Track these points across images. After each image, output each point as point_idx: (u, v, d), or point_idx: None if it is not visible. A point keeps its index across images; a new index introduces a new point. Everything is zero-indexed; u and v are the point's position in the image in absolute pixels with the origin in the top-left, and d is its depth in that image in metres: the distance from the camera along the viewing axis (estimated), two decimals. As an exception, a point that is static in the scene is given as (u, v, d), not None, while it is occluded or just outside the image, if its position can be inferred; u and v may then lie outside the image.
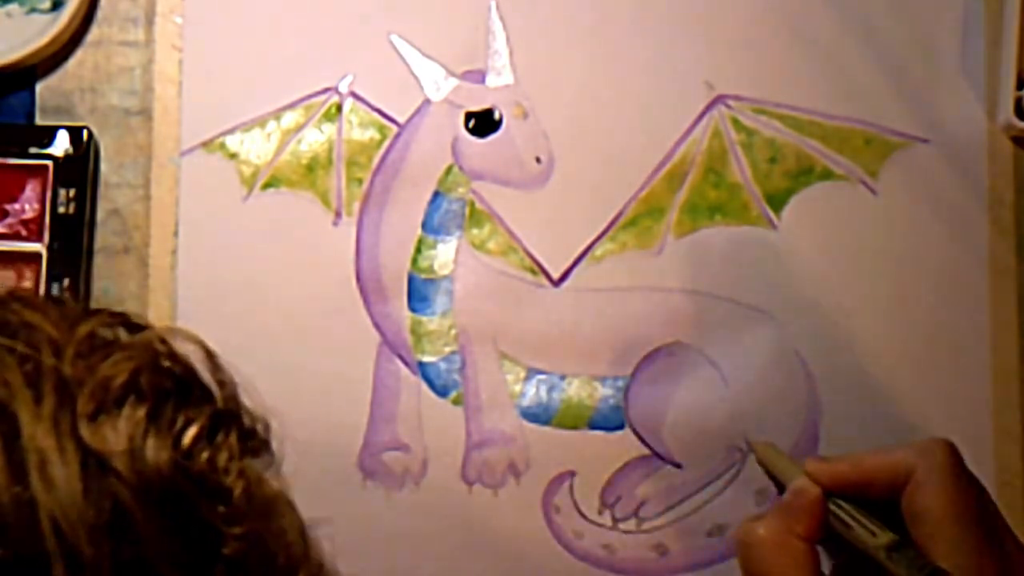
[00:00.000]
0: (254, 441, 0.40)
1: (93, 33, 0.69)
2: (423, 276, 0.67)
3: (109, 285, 0.67)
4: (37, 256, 0.66)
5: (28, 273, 0.67)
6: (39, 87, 0.69)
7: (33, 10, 0.69)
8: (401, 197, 0.68)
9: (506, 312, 0.67)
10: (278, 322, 0.67)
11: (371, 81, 0.68)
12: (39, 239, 0.67)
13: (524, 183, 0.68)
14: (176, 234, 0.68)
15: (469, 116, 0.68)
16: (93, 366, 0.38)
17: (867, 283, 0.67)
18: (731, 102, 0.68)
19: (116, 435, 0.36)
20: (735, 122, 0.68)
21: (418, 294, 0.67)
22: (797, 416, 0.67)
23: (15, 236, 0.67)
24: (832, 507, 0.51)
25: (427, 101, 0.68)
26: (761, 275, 0.67)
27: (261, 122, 0.68)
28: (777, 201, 0.68)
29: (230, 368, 0.41)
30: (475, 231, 0.68)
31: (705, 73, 0.68)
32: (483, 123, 0.68)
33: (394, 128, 0.68)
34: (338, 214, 0.68)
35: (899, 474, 0.51)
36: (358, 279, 0.67)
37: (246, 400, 0.41)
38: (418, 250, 0.67)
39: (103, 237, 0.68)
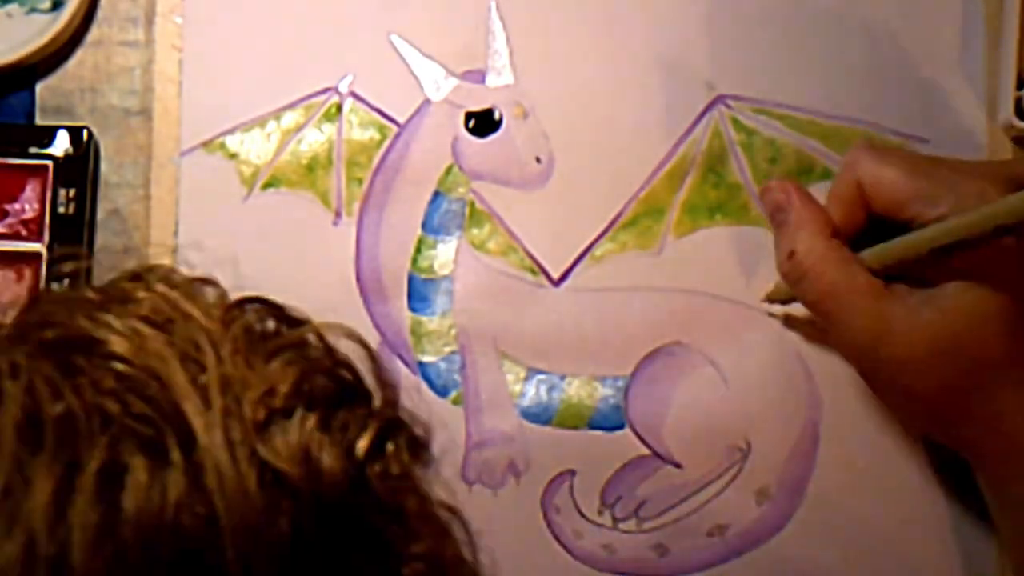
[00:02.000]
0: (420, 449, 0.38)
1: (93, 33, 0.69)
2: (423, 276, 0.67)
3: (109, 285, 0.67)
4: (37, 256, 0.66)
5: (28, 273, 0.67)
6: (39, 87, 0.69)
7: (33, 10, 0.69)
8: (401, 197, 0.68)
9: (506, 312, 0.67)
10: (278, 322, 0.67)
11: (371, 81, 0.68)
12: (39, 239, 0.67)
13: (524, 183, 0.68)
14: (176, 234, 0.68)
15: (469, 116, 0.68)
16: (254, 366, 0.35)
17: (867, 283, 0.67)
18: (731, 102, 0.68)
19: (288, 447, 0.33)
20: (735, 122, 0.68)
21: (418, 294, 0.67)
22: (797, 416, 0.67)
23: (15, 236, 0.67)
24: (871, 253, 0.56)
25: (427, 101, 0.68)
26: (761, 275, 0.67)
27: (261, 122, 0.68)
28: (777, 201, 0.68)
29: (391, 367, 0.38)
30: (475, 231, 0.68)
31: (705, 73, 0.68)
32: (483, 123, 0.68)
33: (394, 128, 0.68)
34: (338, 214, 0.68)
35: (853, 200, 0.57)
36: (358, 279, 0.67)
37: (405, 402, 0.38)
38: (418, 250, 0.67)
39: (103, 237, 0.68)
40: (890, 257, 0.57)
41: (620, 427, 0.67)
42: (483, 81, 0.68)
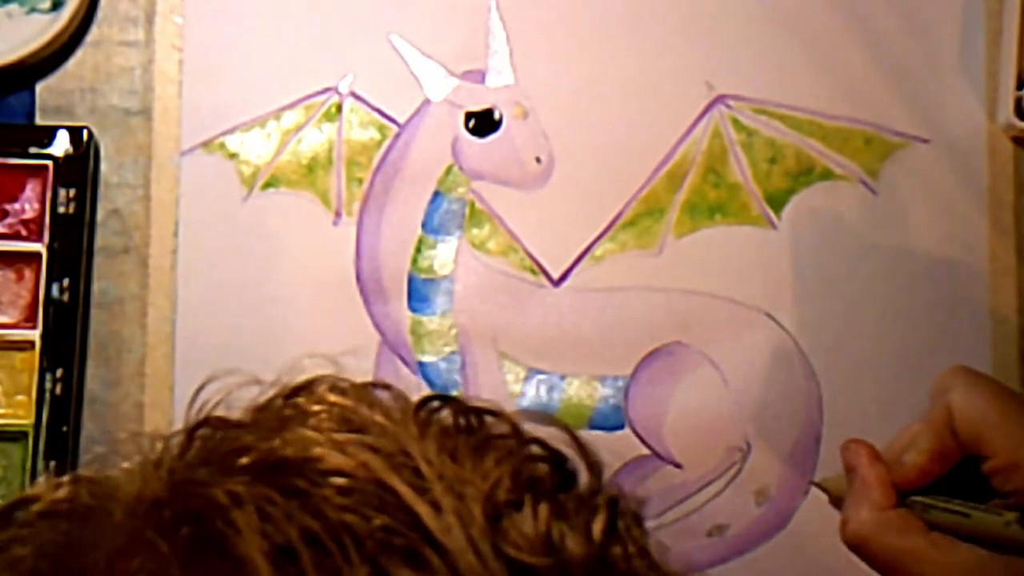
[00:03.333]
0: (643, 524, 0.37)
1: (93, 33, 0.69)
2: (423, 276, 0.67)
3: (109, 285, 0.67)
4: (37, 256, 0.66)
5: (28, 273, 0.67)
6: (39, 87, 0.69)
7: (33, 10, 0.69)
8: (401, 197, 0.68)
9: (506, 312, 0.67)
10: (278, 322, 0.67)
11: (371, 81, 0.68)
12: (39, 239, 0.67)
13: (524, 183, 0.68)
14: (176, 234, 0.67)
15: (469, 116, 0.68)
16: (464, 464, 0.34)
17: (867, 283, 0.67)
18: (731, 102, 0.68)
19: (528, 539, 0.33)
20: (735, 122, 0.68)
21: (418, 294, 0.67)
22: (797, 416, 0.67)
23: (15, 236, 0.67)
24: (920, 507, 0.51)
25: (427, 101, 0.68)
26: (761, 275, 0.67)
27: (261, 122, 0.68)
28: (777, 201, 0.68)
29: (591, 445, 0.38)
30: (475, 231, 0.68)
31: (705, 73, 0.68)
32: (483, 123, 0.68)
33: (394, 128, 0.68)
34: (338, 214, 0.68)
35: (945, 426, 0.51)
36: (358, 279, 0.67)
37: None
38: (418, 250, 0.67)
39: (103, 237, 0.68)
40: (949, 524, 0.52)
41: (620, 427, 0.67)
42: (483, 81, 0.68)
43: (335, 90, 0.68)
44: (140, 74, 0.69)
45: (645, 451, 0.66)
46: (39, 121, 0.68)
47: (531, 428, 0.37)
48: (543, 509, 0.34)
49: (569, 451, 0.37)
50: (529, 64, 0.68)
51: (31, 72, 0.68)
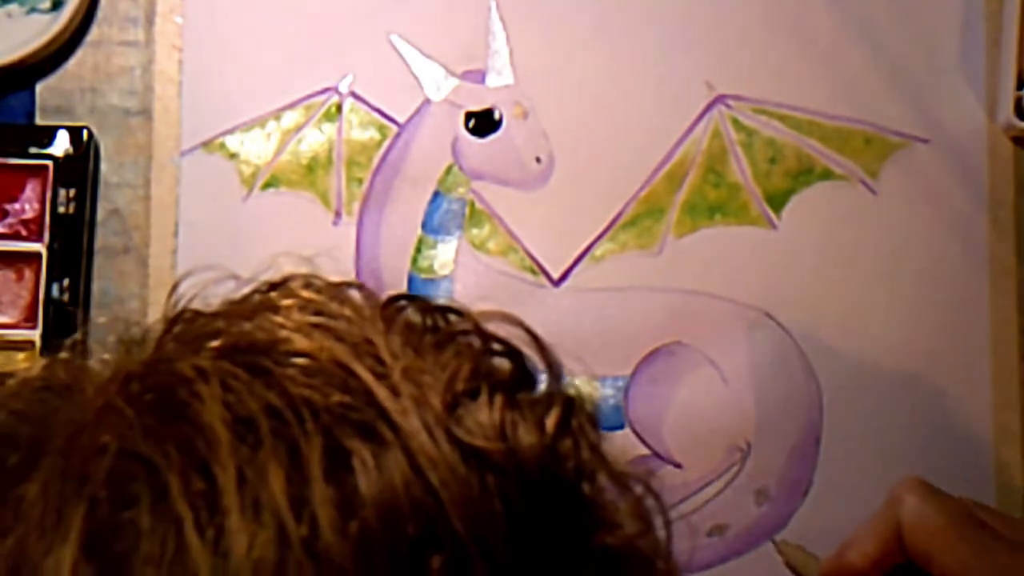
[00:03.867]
0: (599, 425, 0.38)
1: (93, 33, 0.69)
2: (423, 276, 0.67)
3: (109, 285, 0.67)
4: (37, 256, 0.66)
5: (28, 273, 0.67)
6: (39, 87, 0.69)
7: (33, 10, 0.69)
8: (401, 197, 0.68)
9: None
10: (278, 322, 0.67)
11: (371, 81, 0.68)
12: (39, 239, 0.67)
13: (524, 183, 0.68)
14: (176, 234, 0.67)
15: (469, 116, 0.68)
16: (426, 357, 0.35)
17: (867, 283, 0.67)
18: (731, 102, 0.68)
19: (482, 427, 0.34)
20: (735, 122, 0.68)
21: (418, 294, 0.67)
22: (797, 416, 0.67)
23: (15, 236, 0.67)
24: None
25: (427, 101, 0.68)
26: (761, 275, 0.67)
27: (261, 122, 0.68)
28: (777, 201, 0.68)
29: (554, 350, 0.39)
30: (475, 231, 0.68)
31: (705, 73, 0.68)
32: (483, 123, 0.68)
33: (394, 128, 0.68)
34: (338, 214, 0.68)
35: (892, 536, 0.51)
36: (358, 279, 0.67)
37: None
38: (418, 250, 0.67)
39: (103, 237, 0.68)
40: None
41: (620, 427, 0.67)
42: (483, 81, 0.68)
43: (335, 90, 0.68)
44: (140, 74, 0.69)
45: (645, 451, 0.66)
46: (39, 121, 0.68)
47: (496, 327, 0.38)
48: (498, 399, 0.35)
49: (531, 353, 0.39)
50: (529, 64, 0.68)
51: (31, 72, 0.69)
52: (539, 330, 0.39)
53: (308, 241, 0.67)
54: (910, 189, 0.68)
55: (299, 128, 0.68)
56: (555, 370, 0.39)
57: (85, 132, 0.67)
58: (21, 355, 0.66)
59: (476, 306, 0.38)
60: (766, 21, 0.69)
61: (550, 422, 0.36)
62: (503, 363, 0.38)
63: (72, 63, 0.69)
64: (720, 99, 0.68)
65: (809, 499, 0.66)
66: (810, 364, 0.67)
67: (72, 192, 0.67)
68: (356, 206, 0.68)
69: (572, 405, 0.37)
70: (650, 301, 0.67)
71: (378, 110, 0.68)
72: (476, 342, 0.38)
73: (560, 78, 0.68)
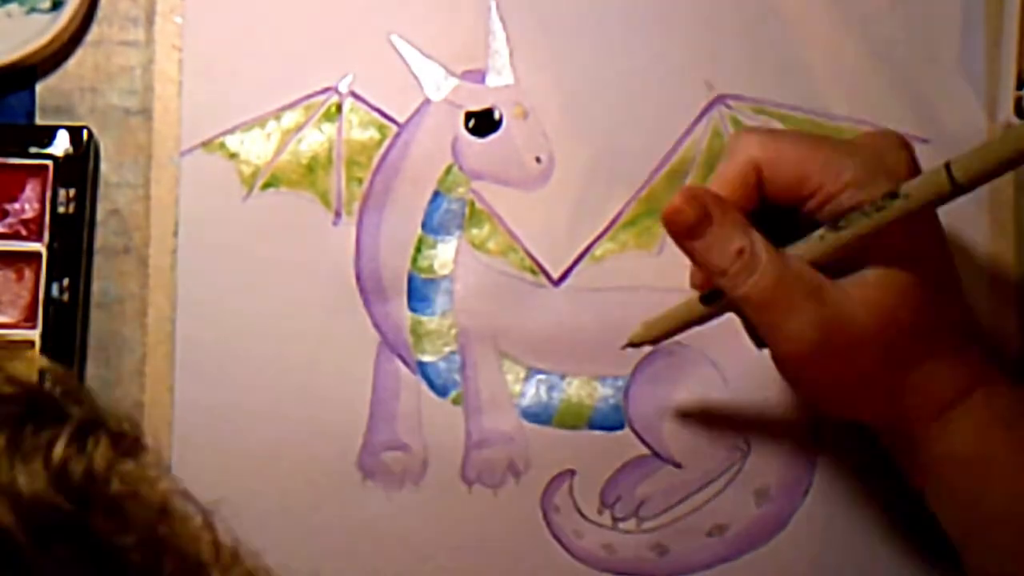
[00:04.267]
0: (126, 442, 0.38)
1: (93, 33, 0.69)
2: (423, 276, 0.67)
3: (109, 285, 0.67)
4: (37, 256, 0.67)
5: (28, 273, 0.67)
6: (39, 87, 0.69)
7: (33, 10, 0.69)
8: (401, 197, 0.68)
9: (506, 312, 0.67)
10: (278, 322, 0.67)
11: (371, 81, 0.68)
12: (39, 239, 0.67)
13: (524, 183, 0.68)
14: (176, 234, 0.68)
15: (469, 116, 0.68)
16: None
17: (867, 283, 0.67)
18: (731, 102, 0.68)
19: None
20: (735, 122, 0.68)
21: (418, 294, 0.67)
22: (797, 416, 0.67)
23: (15, 236, 0.67)
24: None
25: (427, 101, 0.68)
26: (761, 275, 0.67)
27: (261, 122, 0.68)
28: (777, 201, 0.68)
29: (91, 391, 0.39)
30: (475, 231, 0.68)
31: (705, 73, 0.68)
32: (483, 123, 0.68)
33: (394, 128, 0.68)
34: (338, 214, 0.68)
35: (742, 181, 0.58)
36: (358, 279, 0.67)
37: (105, 403, 0.39)
38: (418, 250, 0.67)
39: (103, 237, 0.68)
40: (829, 247, 0.56)
41: (620, 427, 0.67)
42: (483, 81, 0.68)
43: (335, 90, 0.68)
44: (140, 74, 0.69)
45: (645, 451, 0.66)
46: (39, 121, 0.68)
47: (12, 363, 0.38)
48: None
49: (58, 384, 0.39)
50: (529, 64, 0.68)
51: (31, 72, 0.69)
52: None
53: (308, 241, 0.67)
54: (910, 189, 0.68)
55: (299, 128, 0.68)
56: (85, 402, 0.39)
57: (85, 132, 0.67)
58: None
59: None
60: (766, 21, 0.69)
61: (56, 453, 0.36)
62: (14, 403, 0.37)
63: (72, 63, 0.69)
64: (720, 99, 0.68)
65: (809, 499, 0.66)
66: (810, 364, 0.67)
67: (72, 192, 0.67)
68: (356, 206, 0.68)
69: (86, 429, 0.37)
70: (650, 301, 0.67)
71: (378, 110, 0.68)
72: None
73: (560, 78, 0.68)
